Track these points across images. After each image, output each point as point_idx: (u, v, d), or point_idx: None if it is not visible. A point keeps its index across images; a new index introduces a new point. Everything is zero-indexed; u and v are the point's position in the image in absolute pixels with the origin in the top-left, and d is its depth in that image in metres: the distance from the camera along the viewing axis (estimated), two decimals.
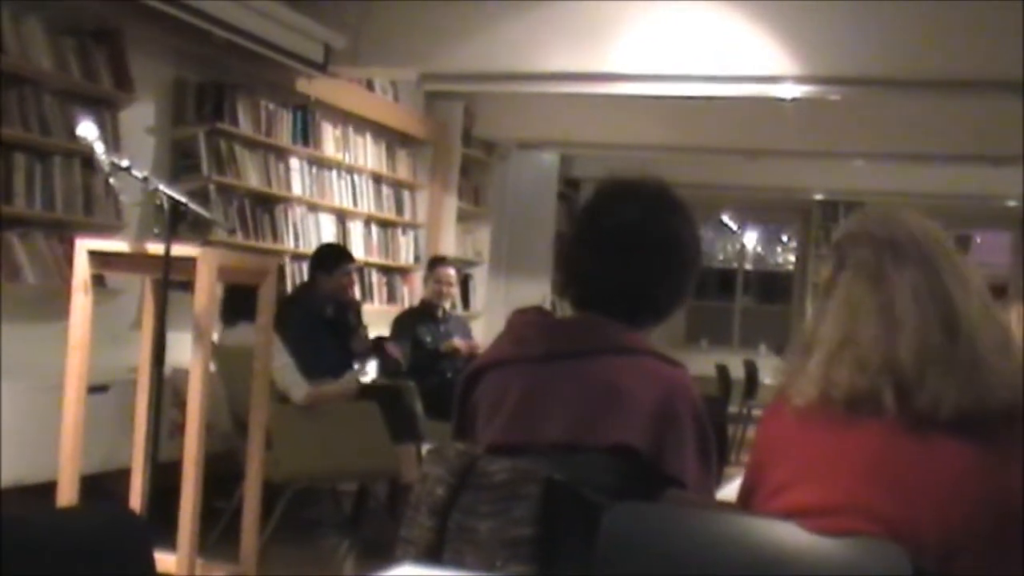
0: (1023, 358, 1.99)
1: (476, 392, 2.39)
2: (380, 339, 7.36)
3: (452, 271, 7.74)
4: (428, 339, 7.32)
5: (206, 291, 4.14)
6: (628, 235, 2.35)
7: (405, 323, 7.44)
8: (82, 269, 4.26)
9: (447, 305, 7.72)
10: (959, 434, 1.92)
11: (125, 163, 4.09)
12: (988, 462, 1.93)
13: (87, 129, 4.10)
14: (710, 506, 2.23)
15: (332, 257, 6.70)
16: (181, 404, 4.80)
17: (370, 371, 6.83)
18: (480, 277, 10.53)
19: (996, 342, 1.97)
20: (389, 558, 2.14)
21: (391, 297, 9.04)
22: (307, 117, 7.80)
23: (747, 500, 2.10)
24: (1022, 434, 1.96)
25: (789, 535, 1.85)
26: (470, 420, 2.40)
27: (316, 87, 7.60)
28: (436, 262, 7.87)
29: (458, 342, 7.35)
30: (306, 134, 7.80)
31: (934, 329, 1.96)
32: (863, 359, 1.97)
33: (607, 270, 2.35)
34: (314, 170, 8.01)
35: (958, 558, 1.90)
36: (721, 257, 15.81)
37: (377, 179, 8.86)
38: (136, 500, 4.31)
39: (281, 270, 6.65)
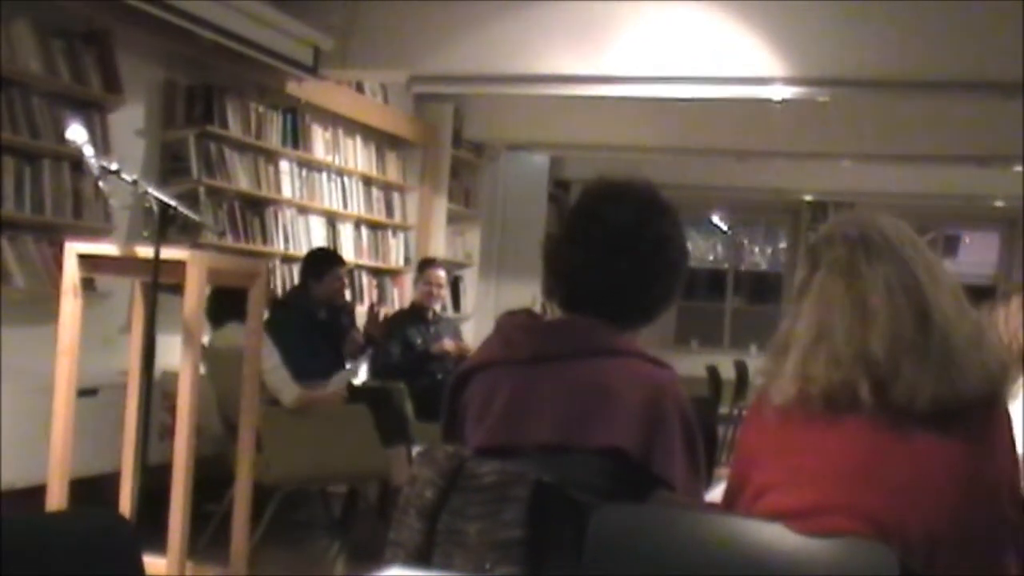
0: (997, 353, 2.01)
1: (465, 394, 2.40)
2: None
3: (442, 273, 7.73)
4: (418, 341, 7.31)
5: (196, 294, 4.14)
6: (620, 237, 2.35)
7: (395, 324, 7.43)
8: (71, 272, 4.26)
9: (437, 307, 7.71)
10: (940, 428, 1.94)
11: (114, 166, 4.09)
12: (971, 455, 1.95)
13: (76, 132, 4.10)
14: (697, 507, 2.24)
15: (322, 262, 6.69)
16: (171, 407, 4.80)
17: (360, 373, 6.83)
18: (470, 279, 10.54)
19: (970, 335, 1.99)
20: (379, 560, 2.14)
21: (382, 299, 9.03)
22: (296, 119, 7.80)
23: (732, 502, 2.11)
24: (1000, 426, 1.99)
25: (776, 536, 1.86)
26: (459, 422, 2.40)
27: (305, 89, 7.60)
28: (426, 264, 7.86)
29: (448, 344, 7.35)
30: (296, 136, 7.80)
31: (907, 321, 1.98)
32: (837, 353, 1.99)
33: (598, 271, 2.36)
34: (304, 172, 8.00)
35: (944, 553, 1.91)
36: (711, 258, 15.81)
37: (367, 181, 8.86)
38: (126, 503, 4.31)
39: (268, 272, 6.64)
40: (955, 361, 1.95)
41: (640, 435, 2.21)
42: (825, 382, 1.98)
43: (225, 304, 5.64)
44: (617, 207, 2.38)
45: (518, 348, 2.35)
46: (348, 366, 6.54)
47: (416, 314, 7.51)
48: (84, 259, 4.29)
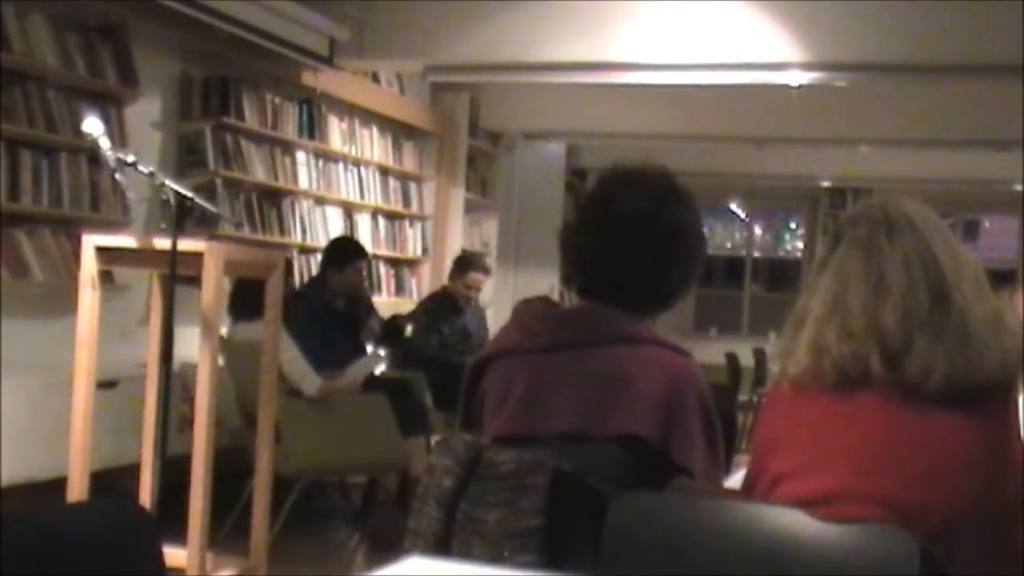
0: (1020, 338, 2.00)
1: (483, 382, 2.40)
2: (394, 317, 7.32)
3: (482, 276, 7.56)
4: (446, 330, 7.32)
5: (213, 285, 4.14)
6: (636, 225, 2.35)
7: (429, 311, 7.39)
8: (89, 265, 4.27)
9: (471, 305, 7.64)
10: (955, 410, 1.93)
11: (131, 158, 4.09)
12: (989, 438, 1.95)
13: (93, 125, 4.10)
14: (716, 495, 2.23)
15: (344, 252, 6.68)
16: (190, 399, 4.82)
17: (382, 363, 6.81)
18: None
19: (988, 320, 1.98)
20: (398, 549, 2.14)
21: (399, 289, 9.04)
22: (313, 110, 7.80)
23: (751, 489, 2.10)
24: (1014, 411, 1.98)
25: (795, 524, 1.85)
26: (477, 410, 2.40)
27: (321, 80, 7.60)
28: (467, 264, 7.65)
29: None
30: (312, 127, 7.80)
31: (922, 297, 1.97)
32: (850, 324, 1.99)
33: (616, 259, 2.35)
34: (320, 163, 8.01)
35: (964, 537, 1.91)
36: (729, 245, 15.78)
37: (383, 171, 8.86)
38: (146, 495, 4.32)
39: (288, 264, 6.63)
40: (972, 344, 1.94)
41: (659, 423, 2.21)
42: (837, 354, 1.98)
43: (245, 298, 5.63)
44: (633, 194, 2.37)
45: (536, 336, 2.35)
46: (369, 351, 6.52)
47: (449, 304, 7.46)
48: (102, 252, 4.29)
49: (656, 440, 2.21)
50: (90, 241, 4.30)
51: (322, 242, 7.54)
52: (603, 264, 2.37)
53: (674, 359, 2.30)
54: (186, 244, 4.03)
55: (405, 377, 6.62)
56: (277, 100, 7.40)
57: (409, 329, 7.02)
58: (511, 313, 2.49)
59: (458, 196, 9.66)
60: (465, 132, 9.71)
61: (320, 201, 8.02)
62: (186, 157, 6.72)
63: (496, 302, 10.37)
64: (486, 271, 7.77)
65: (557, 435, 2.25)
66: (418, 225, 9.36)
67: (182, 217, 4.00)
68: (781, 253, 16.20)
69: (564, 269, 2.46)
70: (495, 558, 2.13)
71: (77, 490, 4.21)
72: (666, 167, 2.44)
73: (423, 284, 9.24)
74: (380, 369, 6.53)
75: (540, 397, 2.30)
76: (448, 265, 8.15)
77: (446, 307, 7.44)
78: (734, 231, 15.88)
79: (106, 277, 5.20)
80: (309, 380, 5.70)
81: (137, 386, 4.75)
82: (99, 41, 5.96)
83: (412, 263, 9.32)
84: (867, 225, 2.08)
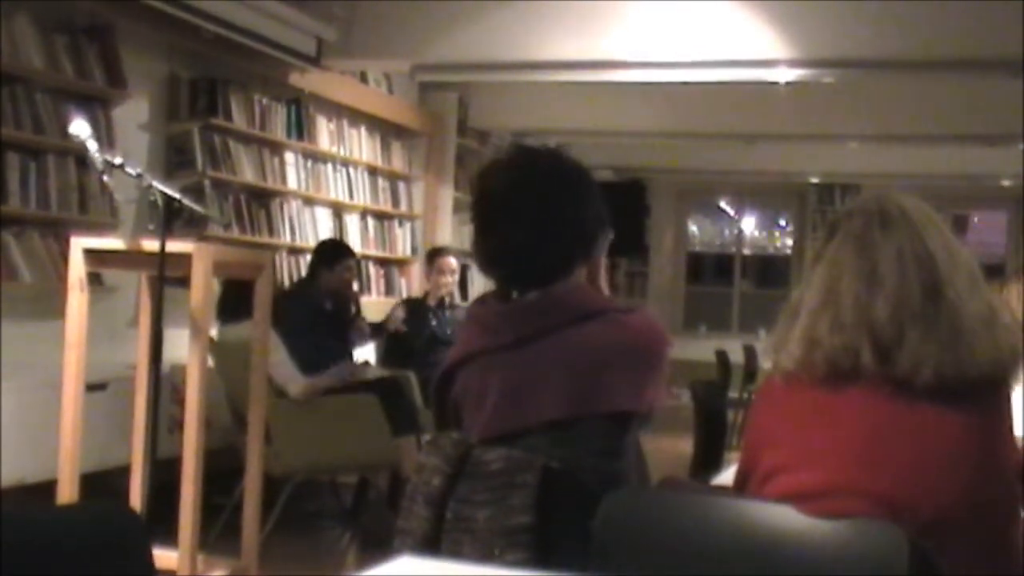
0: (1014, 334, 2.01)
1: (454, 390, 2.40)
2: (380, 324, 7.33)
3: (454, 260, 7.70)
4: (434, 324, 7.35)
5: (202, 287, 4.14)
6: (492, 202, 2.41)
7: (413, 311, 7.40)
8: (78, 267, 4.26)
9: (447, 294, 7.66)
10: (946, 404, 1.93)
11: (119, 160, 4.08)
12: (979, 433, 1.95)
13: (80, 127, 4.10)
14: (707, 490, 2.24)
15: (333, 252, 6.71)
16: (180, 400, 4.81)
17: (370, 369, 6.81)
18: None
19: (982, 315, 1.98)
20: (389, 549, 2.14)
21: (389, 289, 9.03)
22: (301, 111, 7.79)
23: (743, 485, 2.11)
24: (1006, 407, 1.98)
25: (785, 519, 1.85)
26: (452, 417, 2.40)
27: (309, 80, 7.58)
28: (435, 253, 7.83)
29: None
30: (300, 128, 7.79)
31: (915, 291, 1.97)
32: (842, 317, 2.00)
33: (499, 245, 2.39)
34: (309, 163, 7.99)
35: (955, 531, 1.91)
36: (718, 242, 15.76)
37: (372, 171, 8.84)
38: (136, 497, 4.32)
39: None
40: (964, 338, 1.94)
41: (642, 389, 2.27)
42: (828, 346, 1.99)
43: (234, 300, 5.62)
44: (485, 183, 2.45)
45: (499, 334, 2.35)
46: (356, 358, 6.53)
47: (430, 303, 7.51)
48: (90, 254, 4.29)
49: (643, 407, 2.28)
50: (78, 243, 4.29)
51: (311, 242, 7.54)
52: (497, 254, 2.40)
53: (634, 321, 2.34)
54: (174, 245, 4.02)
55: (395, 376, 6.62)
56: (265, 100, 7.39)
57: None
58: (468, 314, 2.50)
59: (447, 195, 9.66)
60: (454, 131, 9.70)
61: (309, 201, 8.01)
62: (174, 158, 6.71)
63: None
64: (455, 255, 7.87)
65: (547, 424, 2.26)
66: (407, 225, 9.35)
67: (170, 218, 3.99)
68: (771, 250, 16.18)
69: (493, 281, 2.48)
70: (485, 556, 2.13)
71: (67, 492, 4.20)
72: (523, 144, 2.50)
73: (412, 284, 9.23)
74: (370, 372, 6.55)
75: (519, 394, 2.30)
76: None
77: (429, 306, 7.45)
78: (723, 228, 15.86)
79: (95, 279, 5.20)
80: (293, 382, 5.70)
81: (127, 388, 4.75)
82: (86, 42, 5.95)
83: (401, 263, 9.31)
84: (862, 217, 2.08)
